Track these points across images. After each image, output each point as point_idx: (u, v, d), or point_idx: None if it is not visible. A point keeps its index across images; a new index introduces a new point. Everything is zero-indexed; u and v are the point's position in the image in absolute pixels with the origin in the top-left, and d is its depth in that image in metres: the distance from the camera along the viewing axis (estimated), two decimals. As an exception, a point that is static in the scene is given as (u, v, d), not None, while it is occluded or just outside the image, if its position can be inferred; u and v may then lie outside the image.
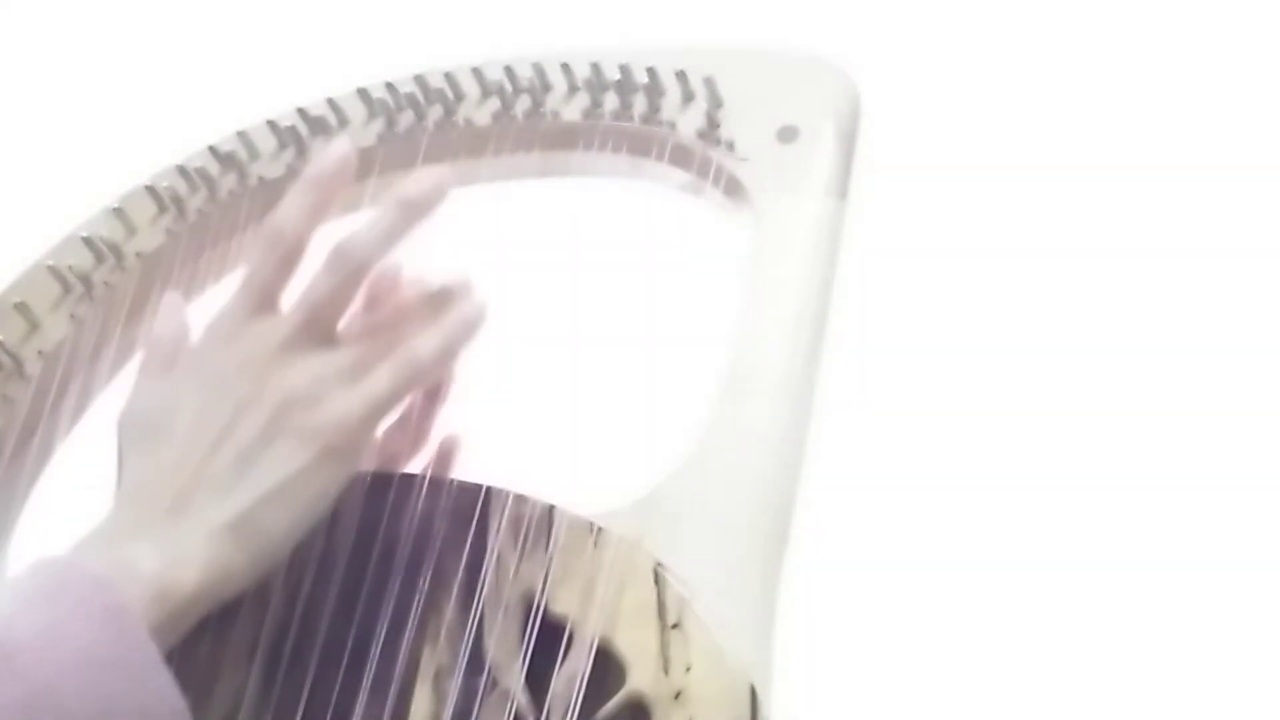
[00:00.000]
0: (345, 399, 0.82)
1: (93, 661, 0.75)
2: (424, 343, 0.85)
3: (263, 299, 0.85)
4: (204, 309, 0.98)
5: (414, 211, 0.87)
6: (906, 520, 1.00)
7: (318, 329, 0.84)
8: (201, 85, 1.18)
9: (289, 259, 0.85)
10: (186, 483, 0.80)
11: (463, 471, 0.90)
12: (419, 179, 0.88)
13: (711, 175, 0.97)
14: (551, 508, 0.86)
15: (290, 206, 0.86)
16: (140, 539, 0.79)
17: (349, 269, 0.85)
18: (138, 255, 0.98)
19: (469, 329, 0.87)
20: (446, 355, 0.86)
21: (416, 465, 0.95)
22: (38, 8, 1.26)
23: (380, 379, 0.83)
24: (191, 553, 0.79)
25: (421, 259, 0.91)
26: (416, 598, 0.85)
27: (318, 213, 0.86)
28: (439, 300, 0.88)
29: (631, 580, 0.84)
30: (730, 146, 0.97)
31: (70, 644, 0.74)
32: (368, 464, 0.88)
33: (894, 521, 1.00)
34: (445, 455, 0.93)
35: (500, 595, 0.85)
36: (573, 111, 1.00)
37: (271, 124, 1.00)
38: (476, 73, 1.00)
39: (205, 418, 0.81)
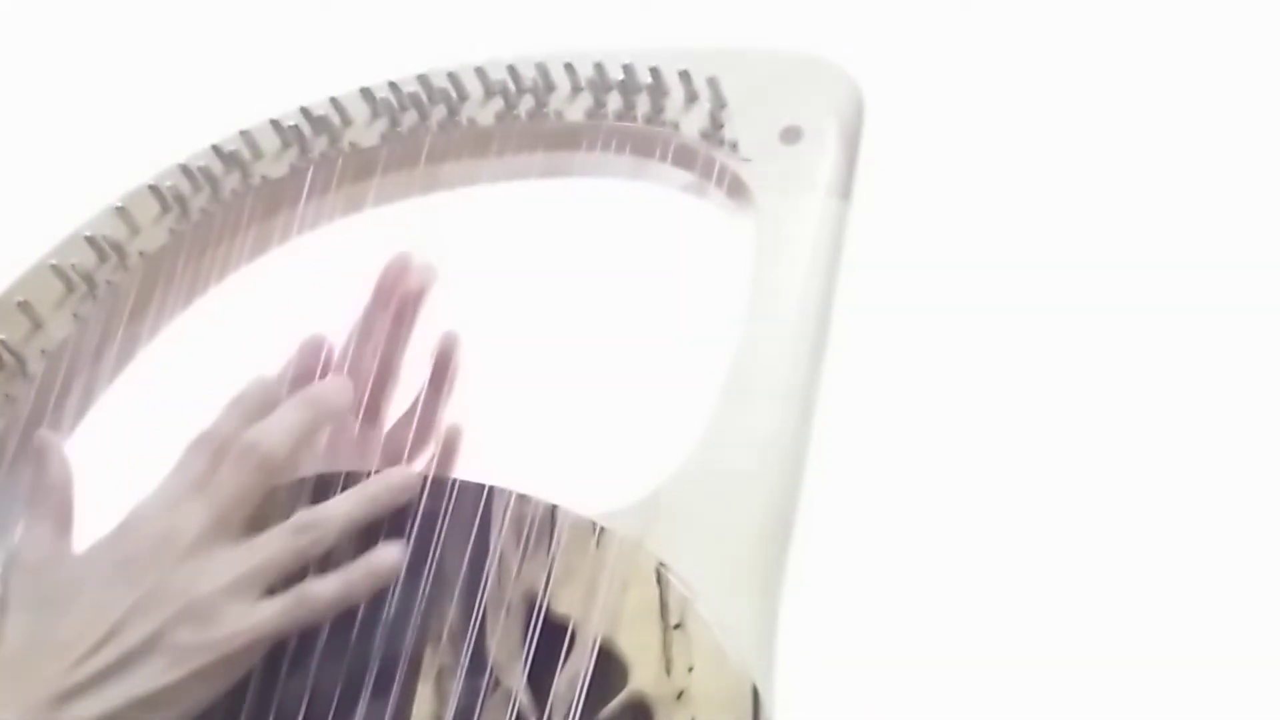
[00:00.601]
0: (233, 623, 0.83)
1: None
2: (324, 586, 0.84)
3: (183, 497, 0.85)
4: (202, 311, 0.99)
5: (322, 410, 0.88)
6: (908, 520, 1.00)
7: (227, 525, 0.85)
8: (205, 84, 1.18)
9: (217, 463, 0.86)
10: (65, 673, 0.82)
11: (466, 469, 0.89)
12: (329, 383, 0.90)
13: (715, 176, 0.97)
14: (554, 508, 0.86)
15: (223, 414, 0.88)
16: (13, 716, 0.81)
17: (253, 463, 0.85)
18: (141, 254, 0.98)
19: (373, 580, 0.85)
20: (344, 604, 0.85)
21: (421, 460, 0.95)
22: (39, 8, 1.26)
23: (270, 614, 0.84)
24: None
25: (424, 262, 0.91)
26: (419, 598, 0.85)
27: (247, 421, 0.87)
28: (369, 504, 0.87)
29: (634, 580, 0.84)
30: (733, 147, 0.97)
31: None
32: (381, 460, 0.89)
33: (895, 522, 1.00)
34: (449, 448, 0.94)
35: (502, 595, 0.85)
36: (576, 112, 1.00)
37: (275, 123, 1.00)
38: (480, 72, 1.00)
39: (102, 609, 0.83)
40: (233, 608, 0.83)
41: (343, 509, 0.86)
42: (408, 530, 0.86)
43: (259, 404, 0.88)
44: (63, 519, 0.88)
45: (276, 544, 0.85)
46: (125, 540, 0.85)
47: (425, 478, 0.87)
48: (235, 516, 0.85)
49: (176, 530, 0.85)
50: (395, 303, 0.95)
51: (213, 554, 0.84)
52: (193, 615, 0.83)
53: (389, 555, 0.85)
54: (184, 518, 0.85)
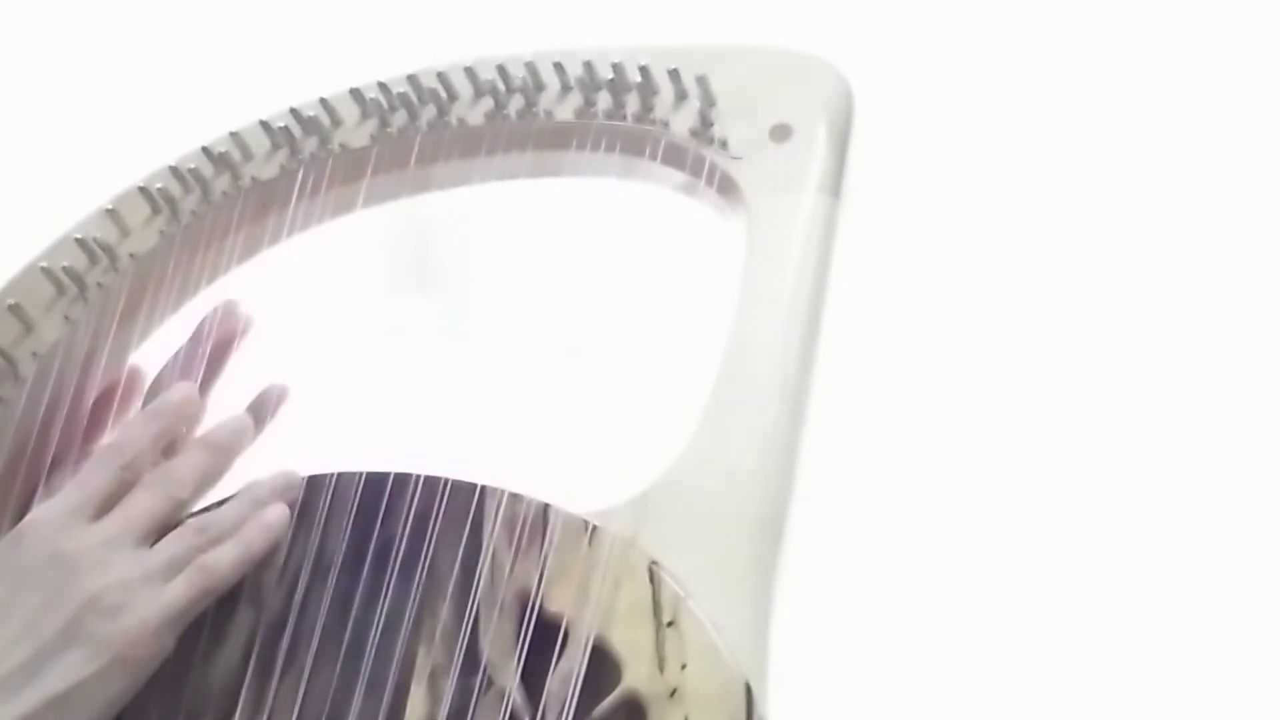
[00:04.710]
0: (144, 609, 0.85)
1: None
2: (224, 553, 0.87)
3: (88, 508, 0.87)
4: (193, 314, 0.99)
5: (226, 455, 0.91)
6: (900, 518, 1.00)
7: (135, 534, 0.87)
8: (195, 86, 1.18)
9: (124, 479, 0.88)
10: None
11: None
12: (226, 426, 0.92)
13: (705, 174, 0.97)
14: (546, 506, 0.86)
15: (134, 429, 0.90)
16: None
17: (166, 492, 0.88)
18: (131, 256, 0.98)
19: (267, 535, 0.88)
20: (245, 564, 0.87)
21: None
22: (33, 8, 1.26)
23: (178, 591, 0.86)
24: None
25: (422, 262, 0.91)
26: (412, 597, 0.85)
27: (158, 440, 0.90)
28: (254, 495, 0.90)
29: (626, 578, 0.84)
30: (723, 145, 0.97)
31: None
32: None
33: (888, 520, 1.00)
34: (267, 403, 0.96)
35: (495, 594, 0.85)
36: (566, 111, 1.00)
37: (265, 124, 1.00)
38: (469, 72, 1.00)
39: (10, 610, 0.85)
40: (140, 594, 0.85)
41: (233, 512, 0.88)
42: (400, 529, 0.86)
43: (176, 418, 0.91)
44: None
45: (176, 543, 0.87)
46: (26, 548, 0.87)
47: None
48: (143, 529, 0.87)
49: (83, 535, 0.86)
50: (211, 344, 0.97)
51: (120, 553, 0.86)
52: (101, 609, 0.84)
53: (278, 511, 0.88)
54: (91, 528, 0.87)
